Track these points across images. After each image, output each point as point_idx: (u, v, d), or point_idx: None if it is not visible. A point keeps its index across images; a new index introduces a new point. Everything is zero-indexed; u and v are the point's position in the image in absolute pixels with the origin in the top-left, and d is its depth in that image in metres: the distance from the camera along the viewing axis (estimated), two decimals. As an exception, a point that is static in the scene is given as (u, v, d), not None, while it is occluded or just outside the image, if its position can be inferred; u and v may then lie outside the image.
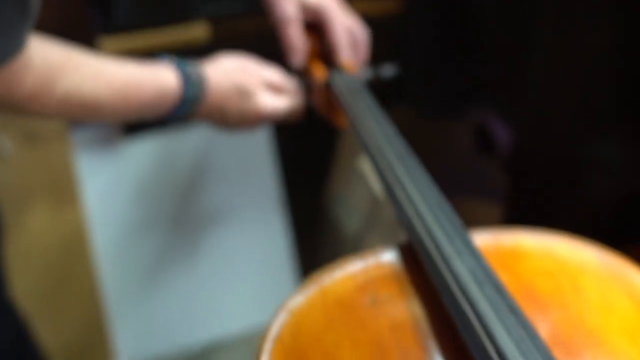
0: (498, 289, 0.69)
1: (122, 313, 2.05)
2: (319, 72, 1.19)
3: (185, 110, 1.10)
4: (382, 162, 0.91)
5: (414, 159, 0.91)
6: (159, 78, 1.07)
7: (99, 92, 1.00)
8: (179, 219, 2.07)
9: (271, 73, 1.19)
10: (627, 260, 0.80)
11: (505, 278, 0.74)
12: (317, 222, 2.22)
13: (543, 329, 0.69)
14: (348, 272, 0.78)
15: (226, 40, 1.81)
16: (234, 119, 1.16)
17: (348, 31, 1.24)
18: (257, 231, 2.15)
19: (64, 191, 1.90)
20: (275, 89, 1.18)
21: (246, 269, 2.17)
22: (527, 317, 0.67)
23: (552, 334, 0.71)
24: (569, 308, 0.74)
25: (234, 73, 1.15)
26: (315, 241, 2.25)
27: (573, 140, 1.78)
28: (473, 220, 0.84)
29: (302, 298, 0.76)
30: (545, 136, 1.75)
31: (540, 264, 0.79)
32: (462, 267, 0.72)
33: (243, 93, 1.14)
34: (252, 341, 2.14)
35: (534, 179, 1.79)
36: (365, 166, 1.90)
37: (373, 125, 1.00)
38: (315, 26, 1.26)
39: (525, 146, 1.75)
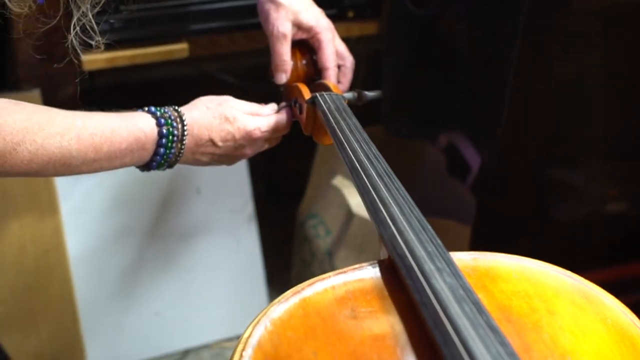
0: (477, 306, 0.71)
1: (95, 322, 2.05)
2: (304, 90, 1.22)
3: (168, 148, 1.10)
4: (365, 181, 0.93)
5: (395, 178, 0.93)
6: (133, 121, 1.07)
7: (67, 147, 1.00)
8: (154, 230, 2.07)
9: (247, 103, 1.21)
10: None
11: (482, 298, 0.76)
12: (291, 237, 2.24)
13: (518, 349, 0.70)
14: (329, 284, 0.80)
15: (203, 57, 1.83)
16: (227, 147, 1.17)
17: (338, 54, 1.28)
18: (231, 245, 2.15)
19: (41, 199, 1.89)
20: (254, 114, 1.21)
21: (219, 282, 2.17)
22: (506, 337, 0.69)
23: (527, 355, 0.73)
24: (543, 330, 0.75)
25: (213, 107, 1.17)
26: (289, 256, 2.26)
27: (539, 164, 1.81)
28: (444, 241, 0.85)
29: (283, 308, 0.78)
30: (512, 160, 1.77)
31: (517, 286, 0.81)
32: (442, 285, 0.73)
33: (226, 120, 1.16)
34: (223, 353, 2.14)
35: (500, 201, 1.81)
36: (342, 182, 1.92)
37: (356, 144, 1.02)
38: (302, 46, 1.30)
39: (492, 169, 1.78)
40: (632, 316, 0.79)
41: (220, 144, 1.16)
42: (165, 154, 1.10)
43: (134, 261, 2.06)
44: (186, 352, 2.16)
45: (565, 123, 1.79)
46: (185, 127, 1.11)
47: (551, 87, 1.68)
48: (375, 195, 0.90)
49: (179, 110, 1.12)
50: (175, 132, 1.10)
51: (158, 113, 1.10)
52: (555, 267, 0.84)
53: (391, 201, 0.88)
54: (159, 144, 1.09)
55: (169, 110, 1.11)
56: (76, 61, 0.97)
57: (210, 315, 2.16)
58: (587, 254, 1.92)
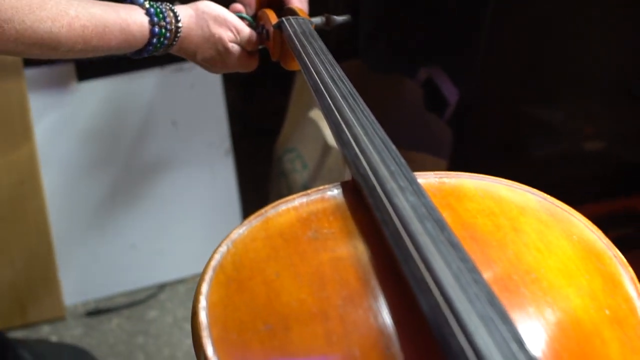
0: (439, 224, 0.70)
1: (70, 254, 2.04)
2: (271, 16, 1.21)
3: (152, 53, 1.12)
4: (328, 102, 0.92)
5: (359, 99, 0.92)
6: (127, 21, 1.07)
7: (56, 33, 0.99)
8: (129, 162, 2.05)
9: (246, 28, 1.22)
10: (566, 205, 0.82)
11: (447, 216, 0.75)
12: (267, 175, 2.23)
13: (482, 267, 0.70)
14: (292, 205, 0.79)
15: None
16: (204, 63, 1.21)
17: None
18: (208, 178, 2.14)
19: (15, 129, 1.88)
20: (239, 43, 1.22)
21: (195, 216, 2.16)
22: (467, 254, 0.68)
23: (491, 272, 0.72)
24: (508, 247, 0.75)
25: (214, 27, 1.17)
26: (266, 193, 2.25)
27: (517, 100, 1.81)
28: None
29: (245, 229, 0.77)
30: (490, 96, 1.77)
31: (482, 204, 0.80)
32: (404, 203, 0.72)
33: (215, 49, 1.18)
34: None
35: (477, 136, 1.81)
36: (318, 115, 1.90)
37: (321, 66, 1.01)
38: None
39: (470, 104, 1.77)
40: (598, 232, 0.78)
41: (200, 62, 1.20)
42: (148, 55, 1.13)
43: (110, 193, 2.05)
44: (162, 286, 2.15)
45: (544, 59, 1.78)
46: (176, 39, 1.13)
47: (530, 23, 1.67)
48: (338, 116, 0.88)
49: (179, 18, 1.13)
50: (166, 41, 1.12)
51: (156, 19, 1.10)
52: (521, 185, 0.84)
53: (355, 122, 0.86)
54: (145, 49, 1.11)
55: (168, 17, 1.11)
56: None
57: (186, 249, 2.16)
58: (563, 191, 1.92)
